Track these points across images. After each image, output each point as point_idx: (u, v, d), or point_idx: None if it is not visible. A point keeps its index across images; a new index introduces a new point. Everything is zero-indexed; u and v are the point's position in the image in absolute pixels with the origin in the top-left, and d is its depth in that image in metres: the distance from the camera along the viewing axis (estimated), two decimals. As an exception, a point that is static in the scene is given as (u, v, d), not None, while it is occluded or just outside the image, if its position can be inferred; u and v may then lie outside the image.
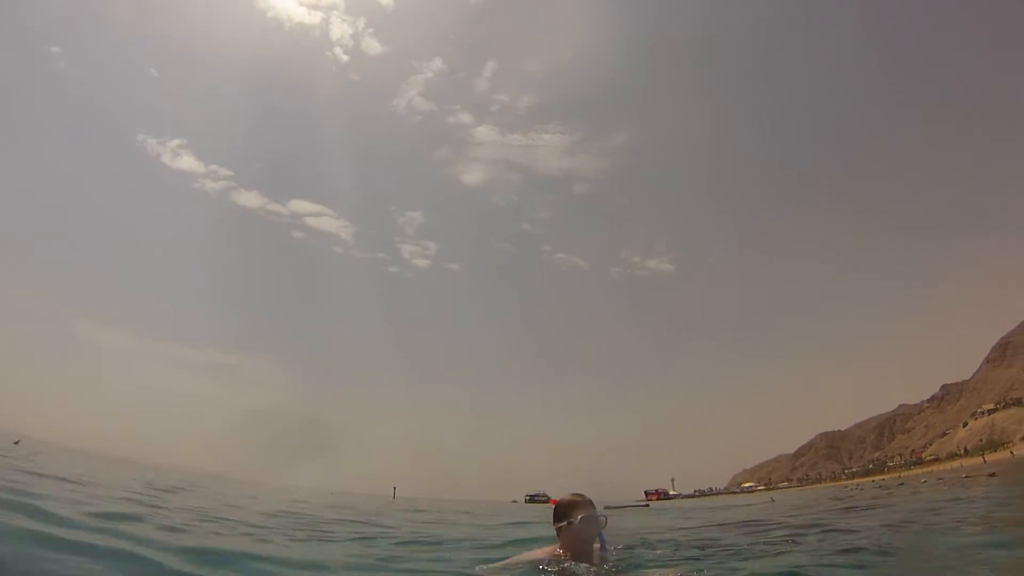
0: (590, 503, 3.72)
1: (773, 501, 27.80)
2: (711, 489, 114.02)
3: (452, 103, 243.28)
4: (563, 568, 3.54)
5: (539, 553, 3.78)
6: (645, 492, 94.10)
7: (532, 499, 76.07)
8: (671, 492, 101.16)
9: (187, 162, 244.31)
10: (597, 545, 3.82)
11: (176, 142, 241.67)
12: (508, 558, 3.88)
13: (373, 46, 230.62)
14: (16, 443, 36.48)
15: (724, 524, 9.43)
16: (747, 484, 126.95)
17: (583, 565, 3.59)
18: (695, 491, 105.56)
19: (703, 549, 5.03)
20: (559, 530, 3.71)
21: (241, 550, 4.30)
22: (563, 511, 3.71)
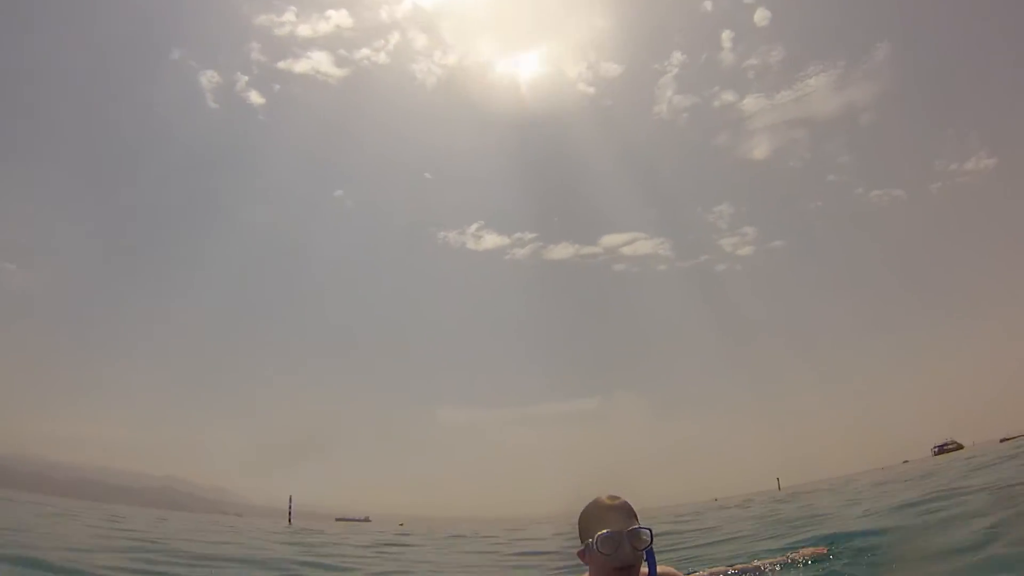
0: (621, 509, 2.08)
1: None
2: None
3: (710, 87, 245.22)
4: None
5: None
6: None
7: (941, 450, 62.76)
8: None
9: (491, 240, 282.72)
10: (644, 571, 2.12)
11: (474, 226, 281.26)
12: None
13: (611, 68, 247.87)
14: (401, 525, 39.77)
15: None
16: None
17: None
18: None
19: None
20: (580, 556, 2.18)
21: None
22: (581, 527, 2.16)
